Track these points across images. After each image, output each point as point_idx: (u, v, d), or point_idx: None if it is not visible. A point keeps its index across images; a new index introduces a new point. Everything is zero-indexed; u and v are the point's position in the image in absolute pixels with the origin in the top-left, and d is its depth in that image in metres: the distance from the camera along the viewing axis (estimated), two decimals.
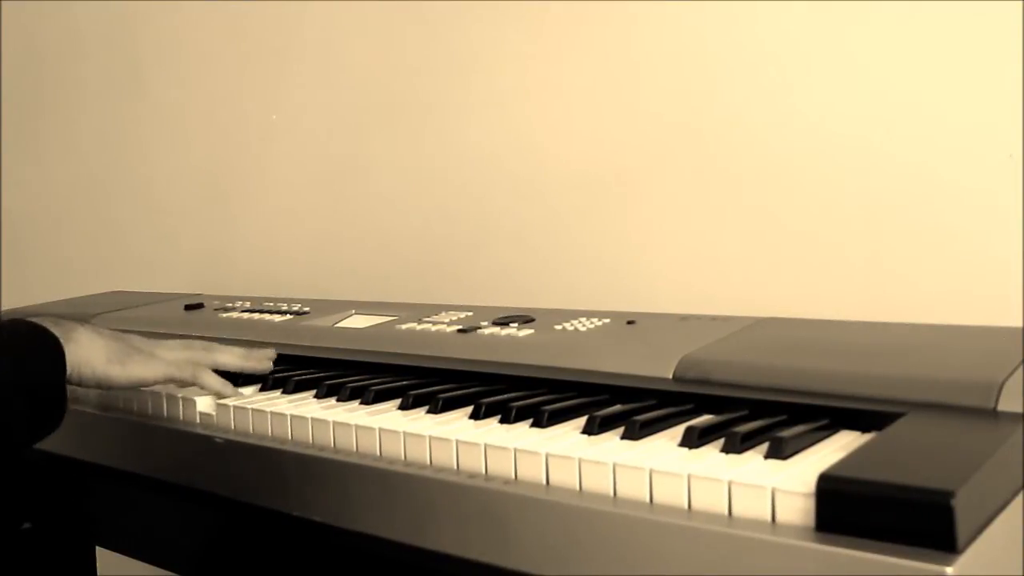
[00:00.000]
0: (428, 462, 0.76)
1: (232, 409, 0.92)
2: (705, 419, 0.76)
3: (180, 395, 0.97)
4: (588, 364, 0.91)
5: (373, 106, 1.58)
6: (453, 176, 1.48)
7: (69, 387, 0.88)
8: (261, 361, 1.02)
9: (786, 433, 0.67)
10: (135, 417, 1.00)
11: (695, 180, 1.23)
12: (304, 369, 1.05)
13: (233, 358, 1.00)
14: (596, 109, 1.32)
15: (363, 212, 1.61)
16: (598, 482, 0.66)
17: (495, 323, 1.07)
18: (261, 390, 1.00)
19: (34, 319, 0.88)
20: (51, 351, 0.85)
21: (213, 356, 0.99)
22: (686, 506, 0.62)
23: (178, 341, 1.01)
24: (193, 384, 0.96)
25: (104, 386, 0.91)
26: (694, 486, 0.62)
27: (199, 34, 1.87)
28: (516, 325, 1.05)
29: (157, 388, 0.98)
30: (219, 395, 0.96)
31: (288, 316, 1.28)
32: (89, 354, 0.89)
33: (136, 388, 0.97)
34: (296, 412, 0.87)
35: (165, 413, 0.99)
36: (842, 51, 1.11)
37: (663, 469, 0.63)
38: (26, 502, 1.25)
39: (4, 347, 0.83)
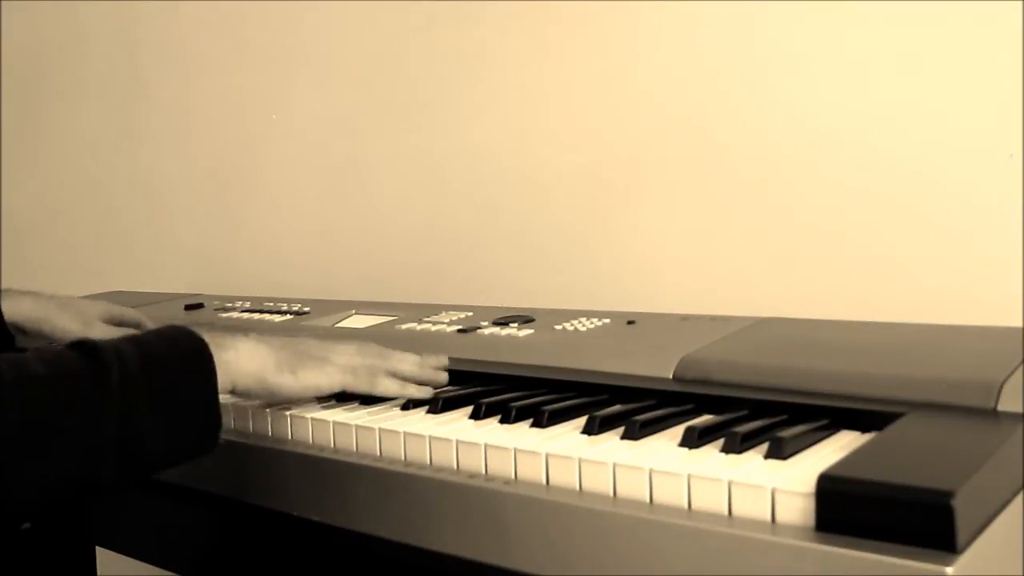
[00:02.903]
0: (428, 462, 0.76)
1: (232, 409, 0.92)
2: (705, 419, 0.76)
3: None
4: (588, 364, 0.91)
5: (373, 106, 1.58)
6: (453, 176, 1.48)
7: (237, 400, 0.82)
8: (437, 373, 0.94)
9: (786, 433, 0.67)
10: None
11: (695, 180, 1.23)
12: None
13: (409, 366, 0.92)
14: (596, 109, 1.32)
15: (363, 212, 1.61)
16: (598, 482, 0.66)
17: (495, 323, 1.07)
18: None
19: (194, 327, 0.80)
20: (202, 366, 0.77)
21: (390, 363, 0.91)
22: (686, 506, 0.62)
23: (351, 345, 0.92)
24: (369, 392, 0.88)
25: (277, 397, 0.85)
26: (694, 486, 0.62)
27: (199, 34, 1.87)
28: (516, 325, 1.05)
29: None
30: (404, 396, 0.89)
31: (288, 316, 1.28)
32: (251, 364, 0.82)
33: (310, 399, 0.90)
34: (296, 412, 0.87)
35: None
36: (842, 50, 1.11)
37: (663, 469, 0.63)
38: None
39: (149, 362, 0.74)
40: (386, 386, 0.88)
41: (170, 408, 0.74)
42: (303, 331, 1.19)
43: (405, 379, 0.90)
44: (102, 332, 1.15)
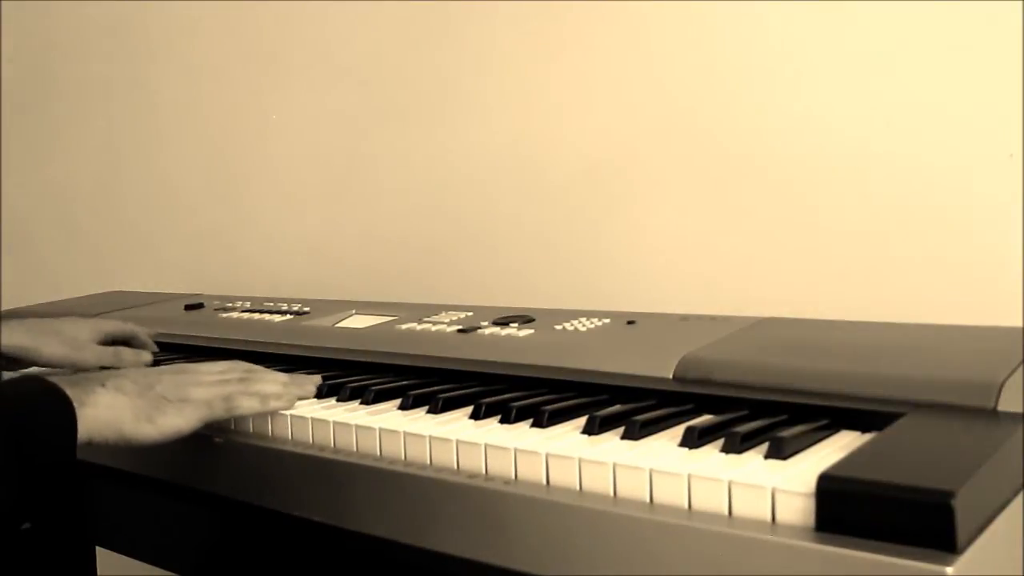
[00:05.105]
0: (428, 462, 0.76)
1: None
2: (705, 419, 0.76)
3: None
4: (588, 364, 0.91)
5: (373, 106, 1.58)
6: (453, 176, 1.48)
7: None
8: (304, 387, 0.94)
9: (786, 433, 0.67)
10: None
11: (695, 180, 1.23)
12: (304, 369, 1.05)
13: (273, 387, 0.91)
14: (596, 109, 1.32)
15: (364, 211, 1.61)
16: (598, 482, 0.66)
17: (495, 323, 1.07)
18: None
19: (52, 378, 0.80)
20: (60, 417, 0.77)
21: (254, 386, 0.91)
22: (686, 506, 0.62)
23: (215, 369, 0.92)
24: (229, 418, 0.89)
25: (135, 446, 0.84)
26: (694, 486, 0.62)
27: (199, 35, 1.87)
28: (516, 325, 1.05)
29: None
30: (266, 412, 0.89)
31: (288, 316, 1.28)
32: (112, 416, 0.81)
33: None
34: (296, 412, 0.87)
35: None
36: (843, 50, 1.11)
37: (663, 469, 0.63)
38: (26, 502, 1.25)
39: (8, 423, 0.74)
40: (248, 406, 0.89)
41: (27, 465, 0.74)
42: (302, 331, 1.19)
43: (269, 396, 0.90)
44: (93, 355, 1.12)
